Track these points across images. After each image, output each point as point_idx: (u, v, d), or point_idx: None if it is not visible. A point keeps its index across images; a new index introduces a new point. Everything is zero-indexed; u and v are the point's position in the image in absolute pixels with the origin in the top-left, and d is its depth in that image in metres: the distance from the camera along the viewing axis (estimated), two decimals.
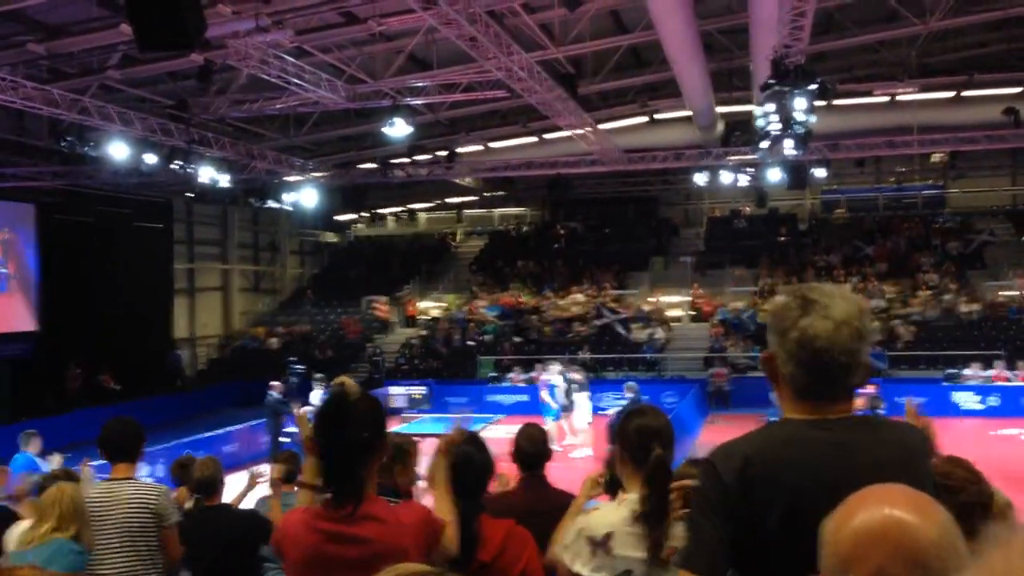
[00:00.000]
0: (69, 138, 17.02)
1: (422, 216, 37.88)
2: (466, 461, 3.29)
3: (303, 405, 14.70)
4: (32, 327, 22.82)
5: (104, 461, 4.84)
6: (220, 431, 17.83)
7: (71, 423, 18.07)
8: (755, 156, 20.83)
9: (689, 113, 20.92)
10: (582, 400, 17.80)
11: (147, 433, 4.96)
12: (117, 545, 4.50)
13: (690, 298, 28.91)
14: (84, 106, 15.77)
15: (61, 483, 4.40)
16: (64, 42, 14.83)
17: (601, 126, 20.54)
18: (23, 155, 21.74)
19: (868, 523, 1.24)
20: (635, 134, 23.18)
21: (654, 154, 22.34)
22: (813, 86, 13.80)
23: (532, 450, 4.26)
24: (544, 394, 17.95)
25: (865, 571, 1.21)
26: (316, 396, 16.25)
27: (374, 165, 24.81)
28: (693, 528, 1.97)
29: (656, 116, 23.11)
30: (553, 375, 17.96)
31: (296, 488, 3.15)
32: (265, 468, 6.65)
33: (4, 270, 22.27)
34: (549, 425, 17.70)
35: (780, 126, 15.20)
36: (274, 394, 16.35)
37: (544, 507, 3.74)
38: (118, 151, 17.64)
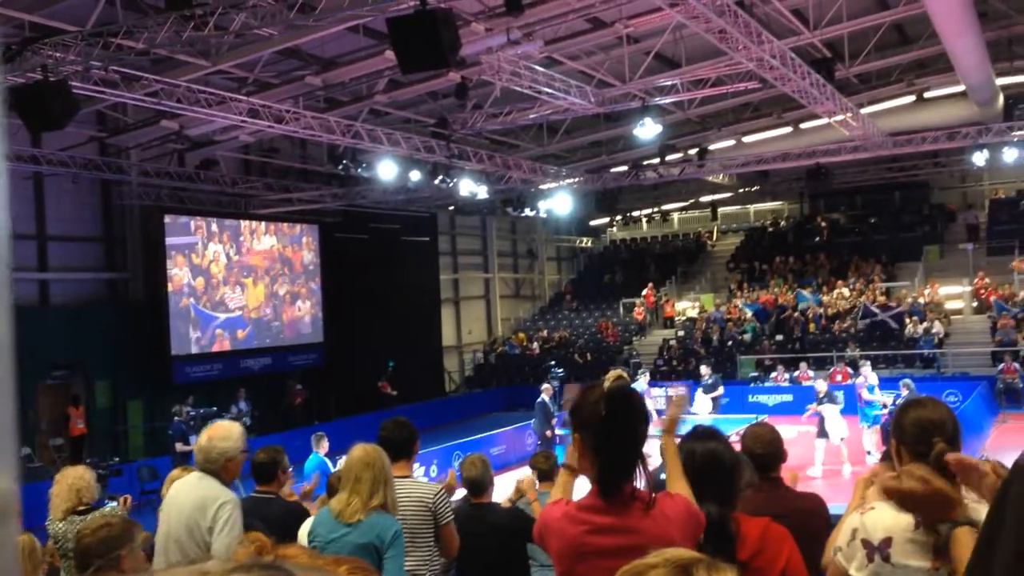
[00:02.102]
0: (345, 161, 18.43)
1: (676, 216, 37.53)
2: (714, 459, 3.18)
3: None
4: (319, 339, 24.86)
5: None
6: (487, 433, 18.59)
7: (357, 426, 19.49)
8: None
9: (963, 88, 19.30)
10: (830, 413, 15.66)
11: (420, 436, 5.18)
12: None
13: (971, 288, 26.64)
14: (356, 131, 16.97)
15: (357, 446, 4.36)
16: (337, 72, 16.07)
17: (863, 110, 19.42)
18: (307, 180, 23.80)
19: None
20: (901, 115, 21.69)
21: (924, 135, 20.80)
22: None
23: (761, 451, 3.96)
24: (865, 393, 16.58)
25: None
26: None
27: (625, 168, 24.88)
28: (1000, 547, 1.57)
29: (925, 95, 21.54)
30: (871, 374, 16.78)
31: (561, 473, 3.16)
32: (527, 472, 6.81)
33: (292, 287, 24.41)
34: (866, 431, 16.41)
35: None
36: (544, 397, 16.88)
37: (777, 511, 3.45)
38: (387, 170, 18.88)
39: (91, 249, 20.68)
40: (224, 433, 4.44)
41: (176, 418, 16.80)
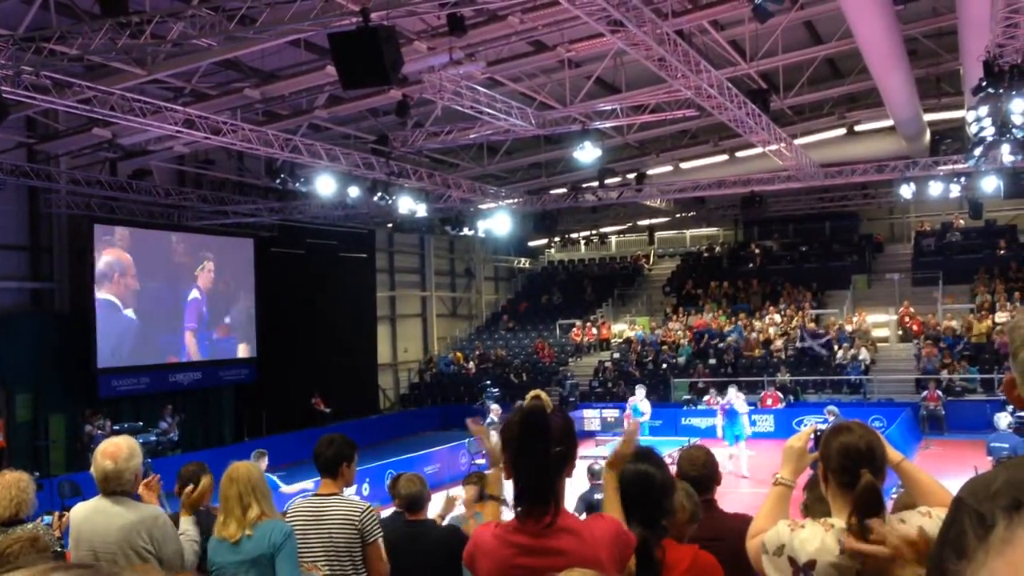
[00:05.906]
0: (282, 175, 18.22)
1: (614, 239, 37.89)
2: (645, 480, 3.14)
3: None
4: (251, 354, 24.44)
5: (319, 478, 4.94)
6: (421, 452, 18.47)
7: (289, 443, 19.22)
8: (968, 165, 19.51)
9: (892, 123, 19.89)
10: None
11: (357, 454, 5.02)
12: (323, 560, 4.54)
13: (897, 317, 27.36)
14: (295, 145, 16.81)
15: (234, 464, 4.37)
16: (276, 86, 15.90)
17: (796, 141, 19.89)
18: (243, 193, 23.47)
19: None
20: (833, 147, 22.26)
21: (854, 167, 21.36)
22: None
23: (696, 474, 3.97)
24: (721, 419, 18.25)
25: None
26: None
27: (565, 190, 25.06)
28: None
29: (856, 128, 22.14)
30: (737, 399, 17.91)
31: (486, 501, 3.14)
32: (461, 490, 6.79)
33: (224, 300, 23.99)
34: (731, 450, 17.44)
35: (995, 131, 14.18)
36: (493, 417, 16.81)
37: (712, 534, 3.52)
38: (325, 186, 18.73)
39: (15, 258, 20.07)
40: (127, 453, 4.19)
41: (99, 432, 16.35)
